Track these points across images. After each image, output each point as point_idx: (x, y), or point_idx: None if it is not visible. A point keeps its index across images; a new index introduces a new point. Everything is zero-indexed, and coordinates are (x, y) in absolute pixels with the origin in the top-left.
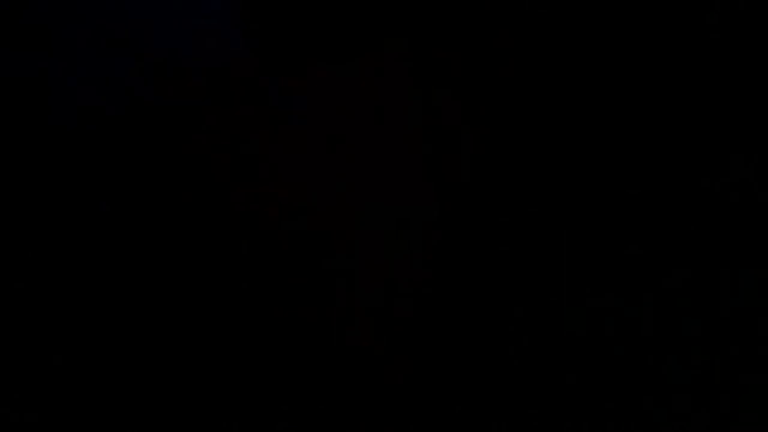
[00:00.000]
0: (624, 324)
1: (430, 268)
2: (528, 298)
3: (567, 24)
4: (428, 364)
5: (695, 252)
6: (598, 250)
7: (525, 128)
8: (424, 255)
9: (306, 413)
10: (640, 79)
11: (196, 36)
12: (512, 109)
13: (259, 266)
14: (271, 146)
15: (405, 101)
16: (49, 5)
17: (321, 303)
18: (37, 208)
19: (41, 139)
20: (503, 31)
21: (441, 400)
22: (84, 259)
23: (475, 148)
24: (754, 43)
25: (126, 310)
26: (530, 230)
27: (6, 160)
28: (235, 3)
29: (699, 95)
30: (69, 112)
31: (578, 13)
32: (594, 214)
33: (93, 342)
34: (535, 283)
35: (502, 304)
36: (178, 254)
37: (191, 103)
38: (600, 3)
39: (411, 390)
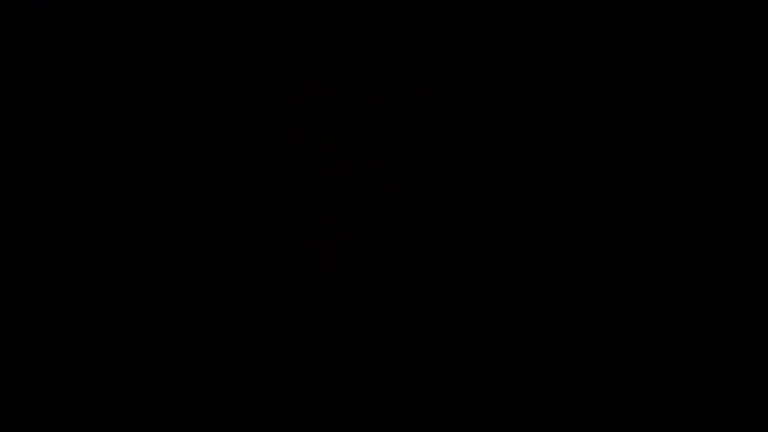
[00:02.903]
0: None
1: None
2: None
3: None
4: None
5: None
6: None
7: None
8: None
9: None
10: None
11: None
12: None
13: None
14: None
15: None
16: None
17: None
18: (40, 210)
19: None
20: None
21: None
22: (87, 259)
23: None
24: None
25: (124, 304)
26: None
27: (7, 162)
28: None
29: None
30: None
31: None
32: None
33: (95, 340)
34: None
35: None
36: (177, 254)
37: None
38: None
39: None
